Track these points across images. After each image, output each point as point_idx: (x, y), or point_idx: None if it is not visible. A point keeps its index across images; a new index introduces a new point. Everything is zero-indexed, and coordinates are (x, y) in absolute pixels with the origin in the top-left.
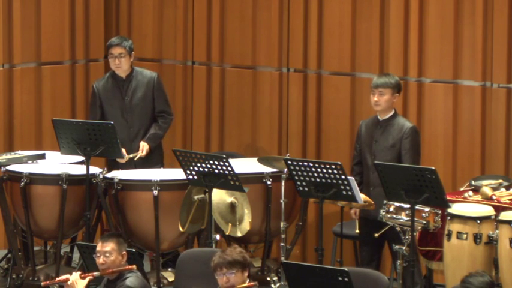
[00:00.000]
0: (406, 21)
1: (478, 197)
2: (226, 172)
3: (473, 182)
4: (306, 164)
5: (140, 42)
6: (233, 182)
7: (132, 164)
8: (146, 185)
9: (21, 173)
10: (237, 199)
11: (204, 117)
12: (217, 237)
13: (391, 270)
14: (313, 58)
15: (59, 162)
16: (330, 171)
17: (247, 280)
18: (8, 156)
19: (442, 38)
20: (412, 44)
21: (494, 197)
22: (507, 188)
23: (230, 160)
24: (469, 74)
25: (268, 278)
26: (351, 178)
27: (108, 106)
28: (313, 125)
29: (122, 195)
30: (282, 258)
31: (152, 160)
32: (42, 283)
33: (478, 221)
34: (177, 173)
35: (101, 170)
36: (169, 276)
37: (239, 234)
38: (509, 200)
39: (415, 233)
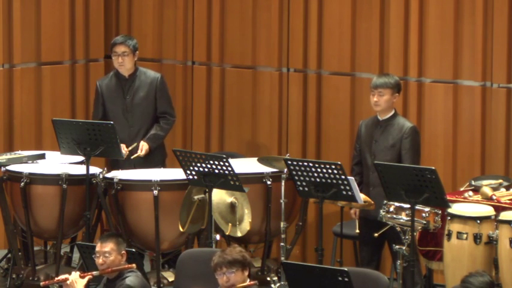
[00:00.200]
0: (406, 21)
1: (478, 197)
2: (226, 172)
3: (473, 182)
4: (306, 164)
5: (140, 42)
6: (233, 182)
7: (131, 164)
8: (146, 185)
9: (21, 173)
10: (237, 199)
11: (204, 117)
12: (217, 237)
13: (391, 270)
14: (313, 58)
15: (59, 162)
16: (330, 171)
17: (248, 279)
18: (8, 156)
19: (442, 38)
20: (412, 44)
21: (494, 197)
22: (507, 188)
23: (230, 160)
24: (469, 74)
25: (268, 278)
26: (351, 178)
27: (110, 104)
28: (313, 125)
29: (122, 195)
30: (282, 258)
31: (153, 160)
32: (42, 283)
33: (478, 221)
34: (177, 173)
35: (101, 170)
36: (169, 276)
37: (239, 234)
38: (509, 200)
39: (415, 233)
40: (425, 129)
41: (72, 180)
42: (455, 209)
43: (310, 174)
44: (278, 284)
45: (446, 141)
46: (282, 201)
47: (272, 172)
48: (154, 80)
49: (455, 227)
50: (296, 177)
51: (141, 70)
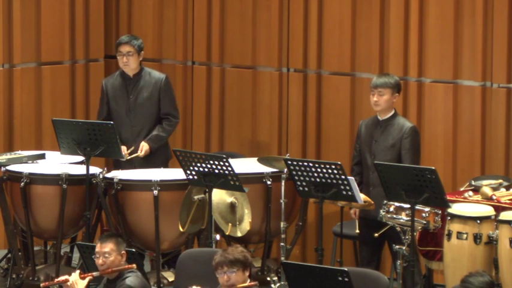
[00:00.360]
0: (406, 21)
1: (478, 197)
2: (226, 172)
3: (473, 182)
4: (306, 164)
5: None
6: (233, 182)
7: (132, 164)
8: (146, 185)
9: (21, 173)
10: (237, 199)
11: (204, 117)
12: (217, 237)
13: (391, 270)
14: (313, 58)
15: (59, 162)
16: (330, 171)
17: (248, 280)
18: (8, 156)
19: (442, 38)
20: (412, 44)
21: (494, 197)
22: (507, 188)
23: (230, 160)
24: (469, 74)
25: (268, 278)
26: (351, 178)
27: (113, 103)
28: (313, 125)
29: (122, 195)
30: (282, 258)
31: (155, 161)
32: (42, 284)
33: (478, 221)
34: (177, 173)
35: (101, 170)
36: (169, 276)
37: (239, 234)
38: (509, 200)
39: (415, 233)
40: (425, 129)
41: (72, 180)
42: (455, 209)
43: (310, 174)
44: (278, 284)
45: (446, 141)
46: (282, 201)
47: (272, 172)
48: (159, 80)
49: (455, 227)
50: (296, 177)
51: (146, 70)
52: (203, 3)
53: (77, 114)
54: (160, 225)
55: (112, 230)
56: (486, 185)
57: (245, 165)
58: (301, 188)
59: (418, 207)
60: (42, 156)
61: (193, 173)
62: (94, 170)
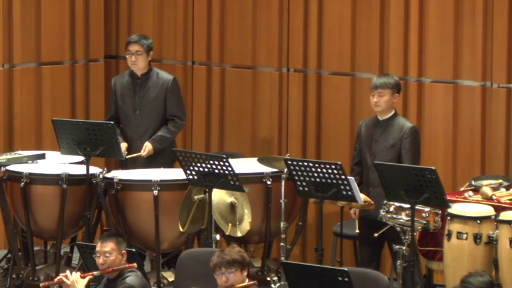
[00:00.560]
0: (406, 21)
1: (478, 197)
2: (226, 172)
3: (473, 182)
4: (306, 164)
5: None
6: (233, 182)
7: (137, 164)
8: (146, 185)
9: (21, 173)
10: (237, 199)
11: (204, 117)
12: (217, 237)
13: (391, 270)
14: (313, 58)
15: (59, 162)
16: (330, 171)
17: (246, 279)
18: (8, 156)
19: (442, 38)
20: (412, 44)
21: (494, 197)
22: (507, 188)
23: (230, 160)
24: (469, 74)
25: (268, 278)
26: (351, 178)
27: (121, 102)
28: (313, 125)
29: (122, 195)
30: (282, 258)
31: (161, 162)
32: (42, 284)
33: (478, 221)
34: (177, 173)
35: (101, 170)
36: (169, 276)
37: (239, 234)
38: (509, 200)
39: (415, 233)
40: (425, 129)
41: (72, 180)
42: (455, 209)
43: (310, 174)
44: (278, 284)
45: (446, 141)
46: (282, 201)
47: (272, 172)
48: (166, 81)
49: (455, 227)
50: (296, 177)
51: (155, 71)
52: (203, 3)
53: (77, 114)
54: (160, 225)
55: (112, 230)
56: (486, 185)
57: (245, 165)
58: (301, 188)
59: (418, 207)
60: (42, 156)
61: (193, 173)
62: (94, 170)
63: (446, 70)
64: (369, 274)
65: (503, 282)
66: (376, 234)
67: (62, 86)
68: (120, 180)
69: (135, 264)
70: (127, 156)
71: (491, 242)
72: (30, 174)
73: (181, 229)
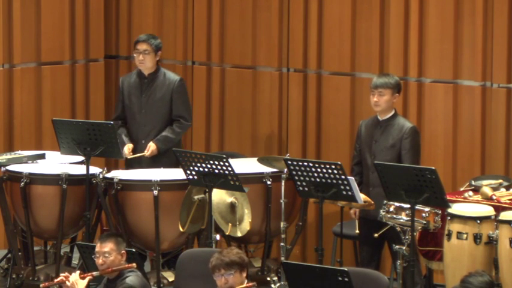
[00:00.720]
0: (406, 21)
1: (478, 197)
2: (226, 172)
3: (473, 182)
4: (306, 164)
5: None
6: (233, 182)
7: (141, 164)
8: (146, 185)
9: (21, 173)
10: (237, 199)
11: (204, 117)
12: (217, 237)
13: (391, 270)
14: (313, 58)
15: (59, 162)
16: (330, 171)
17: (246, 281)
18: (8, 156)
19: (442, 38)
20: (412, 44)
21: (494, 197)
22: (507, 188)
23: (230, 160)
24: (469, 74)
25: (268, 278)
26: (351, 178)
27: (127, 101)
28: (313, 124)
29: (122, 195)
30: (282, 258)
31: (162, 162)
32: (41, 285)
33: (478, 221)
34: (177, 173)
35: (101, 170)
36: (169, 276)
37: (239, 234)
38: (509, 200)
39: (415, 233)
40: (425, 129)
41: (72, 180)
42: (455, 209)
43: (310, 174)
44: (278, 284)
45: (446, 141)
46: (282, 201)
47: (272, 172)
48: (173, 82)
49: (455, 227)
50: (296, 177)
51: (162, 71)
52: (203, 3)
53: (77, 114)
54: (160, 225)
55: (112, 230)
56: (486, 185)
57: (245, 165)
58: (301, 188)
59: (418, 207)
60: (42, 156)
61: (193, 173)
62: (94, 170)
63: (446, 70)
64: (369, 274)
65: (503, 282)
66: (376, 235)
67: (62, 86)
68: (120, 180)
69: (134, 265)
70: (130, 156)
71: (491, 242)
72: (30, 174)
73: (181, 229)
